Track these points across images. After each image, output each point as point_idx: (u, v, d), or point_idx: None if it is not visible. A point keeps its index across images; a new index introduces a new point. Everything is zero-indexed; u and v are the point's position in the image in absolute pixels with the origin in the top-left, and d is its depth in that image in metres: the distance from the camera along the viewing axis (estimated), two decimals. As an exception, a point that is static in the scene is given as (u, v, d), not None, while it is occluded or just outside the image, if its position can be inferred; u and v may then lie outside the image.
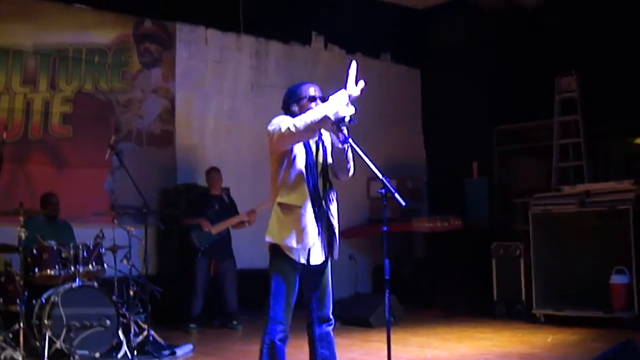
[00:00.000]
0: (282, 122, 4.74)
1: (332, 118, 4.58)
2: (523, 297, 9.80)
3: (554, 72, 11.47)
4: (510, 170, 12.79)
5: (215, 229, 9.64)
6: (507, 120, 12.44)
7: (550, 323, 9.24)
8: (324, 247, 4.89)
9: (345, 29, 12.46)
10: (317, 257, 4.87)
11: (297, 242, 4.78)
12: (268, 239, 4.88)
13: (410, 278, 12.33)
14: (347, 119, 4.63)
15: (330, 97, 4.67)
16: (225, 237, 9.83)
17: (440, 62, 13.16)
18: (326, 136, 5.00)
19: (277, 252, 4.85)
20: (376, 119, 12.67)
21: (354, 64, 4.71)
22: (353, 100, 4.67)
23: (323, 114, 4.59)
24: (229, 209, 9.92)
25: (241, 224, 9.78)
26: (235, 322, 9.74)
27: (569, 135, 11.43)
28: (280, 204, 4.86)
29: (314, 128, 4.66)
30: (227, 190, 10.27)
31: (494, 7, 10.44)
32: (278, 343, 4.79)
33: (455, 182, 12.84)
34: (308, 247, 4.81)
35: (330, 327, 5.03)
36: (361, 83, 4.67)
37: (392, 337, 4.77)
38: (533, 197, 9.87)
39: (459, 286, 11.50)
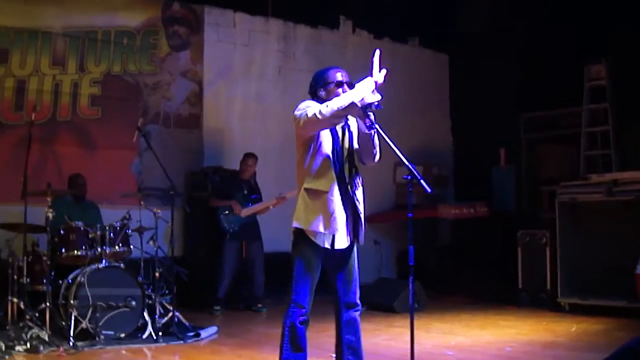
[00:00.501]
0: (309, 108, 4.75)
1: (359, 105, 4.58)
2: (548, 286, 9.73)
3: (583, 59, 11.38)
4: (538, 158, 12.72)
5: (245, 213, 9.67)
6: (535, 107, 12.36)
7: (575, 312, 9.20)
8: (349, 231, 4.90)
9: (373, 13, 12.44)
10: (342, 241, 4.86)
11: (325, 228, 4.78)
12: (295, 224, 4.89)
13: (435, 264, 12.33)
14: (374, 105, 4.65)
15: (357, 85, 4.68)
16: (254, 219, 9.86)
17: (468, 48, 13.06)
18: (352, 121, 4.99)
19: (302, 236, 4.86)
20: (403, 105, 12.65)
21: (377, 53, 4.71)
22: (379, 87, 4.66)
23: (350, 101, 4.60)
24: (255, 193, 9.97)
25: (266, 208, 9.81)
26: (260, 305, 9.77)
27: (598, 124, 11.35)
28: (307, 190, 4.87)
29: (340, 114, 4.66)
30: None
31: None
32: (299, 326, 4.82)
33: (482, 168, 12.78)
34: (334, 232, 4.82)
35: (357, 313, 5.04)
36: (383, 71, 4.67)
37: (416, 323, 4.78)
38: (560, 185, 9.79)
39: (484, 273, 11.46)
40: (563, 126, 12.19)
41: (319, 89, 4.96)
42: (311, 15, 12.15)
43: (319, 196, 4.81)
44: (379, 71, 4.67)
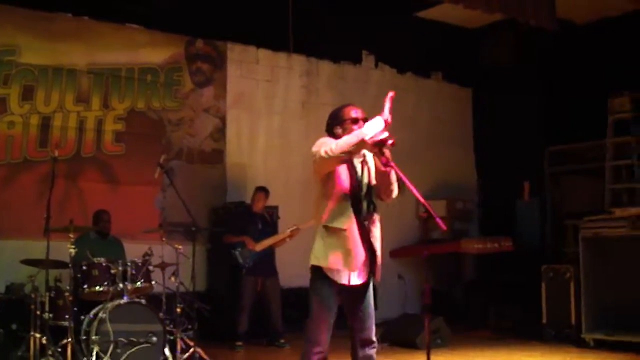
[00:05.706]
0: (323, 146, 4.79)
1: (368, 141, 4.62)
2: (573, 321, 9.62)
3: (606, 92, 11.34)
4: (563, 191, 12.64)
5: (259, 247, 9.67)
6: (559, 140, 12.32)
7: (600, 348, 9.06)
8: (365, 268, 4.90)
9: (396, 48, 12.47)
10: (358, 278, 4.88)
11: (343, 265, 4.80)
12: (313, 262, 4.91)
13: (460, 299, 12.24)
14: (389, 142, 4.67)
15: (367, 123, 4.75)
16: (269, 254, 9.85)
17: (491, 82, 13.06)
18: (370, 158, 5.02)
19: (318, 273, 4.87)
20: (427, 139, 12.67)
21: (390, 94, 4.77)
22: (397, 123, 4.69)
23: (359, 138, 4.66)
24: (270, 227, 9.99)
25: (282, 241, 9.81)
26: (282, 341, 9.71)
27: (622, 157, 11.27)
28: (325, 227, 4.89)
29: (351, 151, 4.72)
30: (271, 208, 10.36)
31: (544, 26, 10.34)
32: (315, 365, 4.83)
33: (507, 202, 12.73)
34: (353, 270, 4.82)
35: (374, 350, 5.03)
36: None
37: (438, 359, 4.75)
38: (584, 219, 9.70)
39: (509, 308, 11.34)
40: (588, 159, 12.13)
41: (335, 126, 5.02)
42: (333, 51, 12.21)
43: (337, 234, 4.83)
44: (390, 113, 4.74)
